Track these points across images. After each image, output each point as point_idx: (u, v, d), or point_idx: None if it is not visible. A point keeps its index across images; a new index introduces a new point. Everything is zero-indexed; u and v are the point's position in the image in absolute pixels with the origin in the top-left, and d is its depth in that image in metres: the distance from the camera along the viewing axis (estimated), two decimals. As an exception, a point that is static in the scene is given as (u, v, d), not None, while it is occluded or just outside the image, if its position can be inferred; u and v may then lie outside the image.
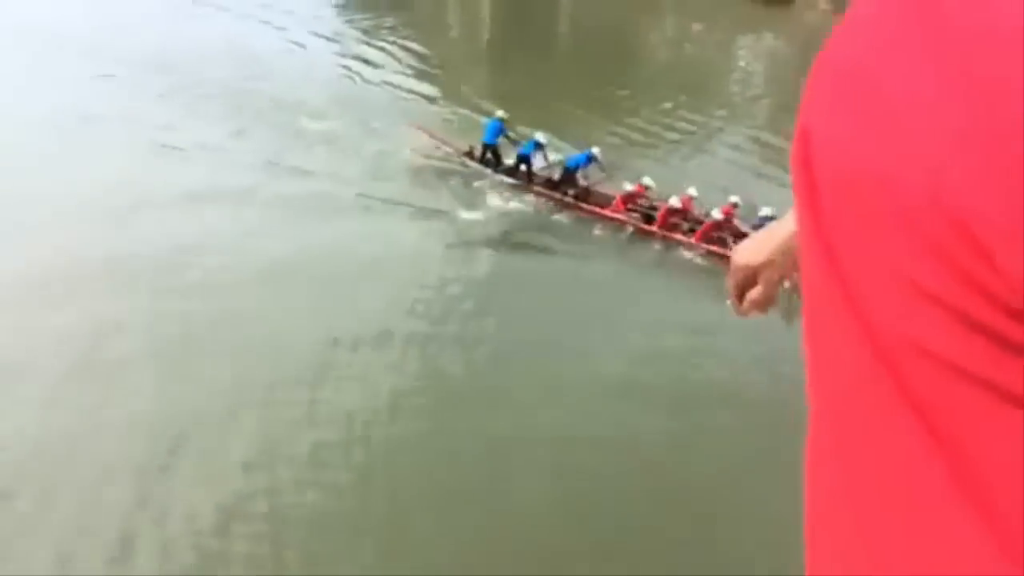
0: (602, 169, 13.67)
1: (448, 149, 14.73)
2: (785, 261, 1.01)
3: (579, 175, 13.61)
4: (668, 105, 18.82)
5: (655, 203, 12.82)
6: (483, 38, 27.88)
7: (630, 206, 12.93)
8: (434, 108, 17.80)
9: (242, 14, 24.26)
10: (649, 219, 12.69)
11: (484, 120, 15.22)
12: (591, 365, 9.09)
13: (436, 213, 12.86)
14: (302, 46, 21.98)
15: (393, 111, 17.04)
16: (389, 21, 25.35)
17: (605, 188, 13.49)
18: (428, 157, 14.60)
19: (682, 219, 12.45)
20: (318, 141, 15.04)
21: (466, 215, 12.89)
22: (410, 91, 18.79)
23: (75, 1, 23.38)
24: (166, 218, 11.65)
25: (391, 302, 10.00)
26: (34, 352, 8.49)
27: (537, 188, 13.83)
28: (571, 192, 13.44)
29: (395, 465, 7.41)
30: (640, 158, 15.34)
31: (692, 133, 17.44)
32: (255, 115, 16.02)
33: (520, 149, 14.07)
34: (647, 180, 12.98)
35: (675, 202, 12.38)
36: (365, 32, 23.91)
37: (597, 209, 13.02)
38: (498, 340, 9.50)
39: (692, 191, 12.68)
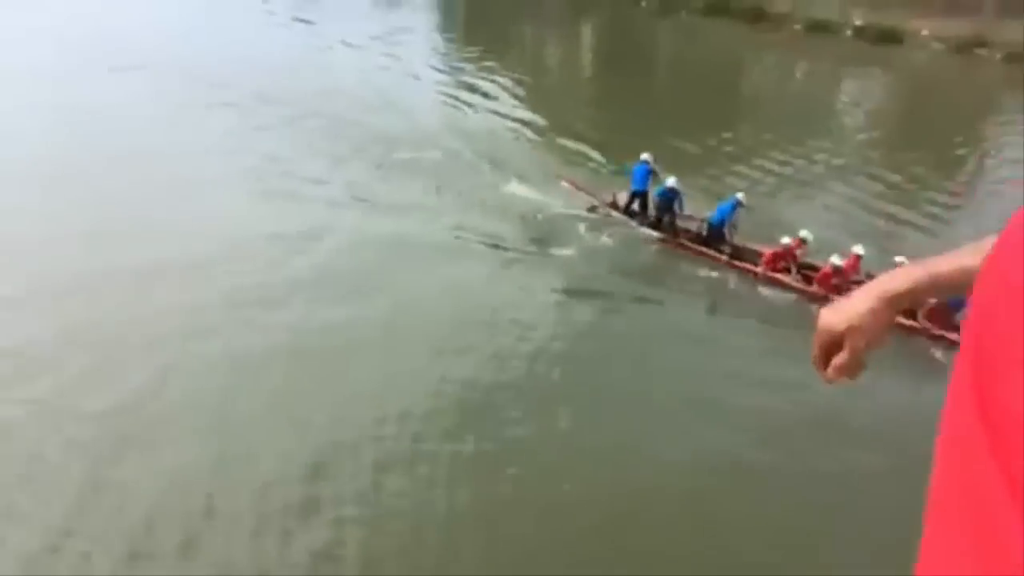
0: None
1: (592, 200, 13.75)
2: (874, 325, 0.97)
3: (726, 228, 12.45)
4: (774, 140, 18.60)
5: (811, 262, 11.59)
6: (585, 71, 28.29)
7: (783, 263, 11.72)
8: (540, 139, 18.10)
9: (361, 47, 25.46)
10: (808, 280, 11.46)
11: (618, 162, 14.78)
12: (683, 391, 9.02)
13: (530, 246, 12.70)
14: (416, 78, 22.75)
15: (498, 143, 17.37)
16: (495, 54, 26.10)
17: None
18: (529, 195, 14.38)
19: (842, 280, 10.87)
20: (419, 173, 15.16)
21: (562, 251, 12.47)
22: (518, 121, 19.14)
23: (204, 37, 25.02)
24: (268, 246, 11.93)
25: (474, 323, 10.20)
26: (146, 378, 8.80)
27: (686, 243, 12.68)
28: (725, 250, 12.30)
29: (459, 476, 7.48)
30: (752, 196, 14.96)
31: (807, 173, 17.05)
32: (362, 147, 16.36)
33: (654, 194, 13.14)
34: (805, 233, 11.72)
35: (837, 261, 11.03)
36: (473, 64, 24.59)
37: (752, 268, 11.93)
38: (585, 359, 9.55)
39: (859, 249, 11.23)
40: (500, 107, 20.24)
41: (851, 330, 0.96)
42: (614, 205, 13.51)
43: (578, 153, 16.76)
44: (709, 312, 11.61)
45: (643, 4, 32.54)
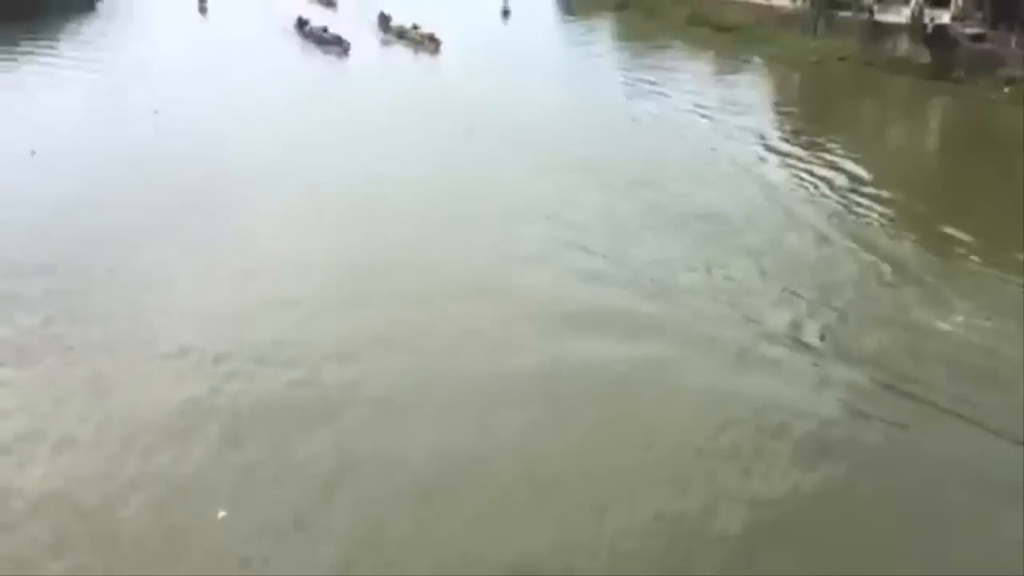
0: None
1: None
2: None
3: None
4: None
5: None
6: (937, 160, 26.67)
7: None
8: (889, 227, 17.76)
9: (703, 118, 26.57)
10: None
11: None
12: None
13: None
14: (761, 154, 23.16)
15: (840, 228, 17.38)
16: (831, 135, 25.51)
17: None
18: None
19: None
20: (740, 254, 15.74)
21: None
22: (865, 207, 18.89)
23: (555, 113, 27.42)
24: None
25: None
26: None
27: None
28: None
29: None
30: None
31: None
32: (685, 225, 17.27)
33: None
34: None
35: None
36: (814, 143, 24.42)
37: None
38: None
39: None
40: (854, 192, 19.86)
41: None
42: None
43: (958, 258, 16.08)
44: None
45: (1006, 91, 29.91)
